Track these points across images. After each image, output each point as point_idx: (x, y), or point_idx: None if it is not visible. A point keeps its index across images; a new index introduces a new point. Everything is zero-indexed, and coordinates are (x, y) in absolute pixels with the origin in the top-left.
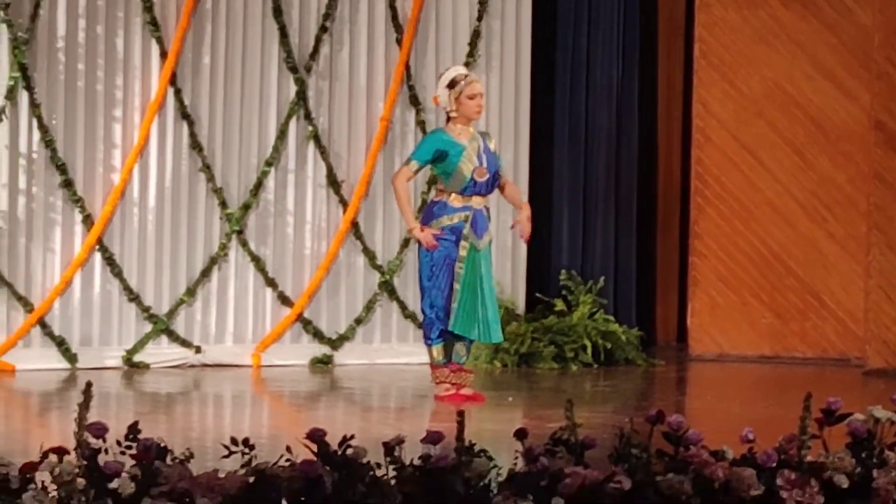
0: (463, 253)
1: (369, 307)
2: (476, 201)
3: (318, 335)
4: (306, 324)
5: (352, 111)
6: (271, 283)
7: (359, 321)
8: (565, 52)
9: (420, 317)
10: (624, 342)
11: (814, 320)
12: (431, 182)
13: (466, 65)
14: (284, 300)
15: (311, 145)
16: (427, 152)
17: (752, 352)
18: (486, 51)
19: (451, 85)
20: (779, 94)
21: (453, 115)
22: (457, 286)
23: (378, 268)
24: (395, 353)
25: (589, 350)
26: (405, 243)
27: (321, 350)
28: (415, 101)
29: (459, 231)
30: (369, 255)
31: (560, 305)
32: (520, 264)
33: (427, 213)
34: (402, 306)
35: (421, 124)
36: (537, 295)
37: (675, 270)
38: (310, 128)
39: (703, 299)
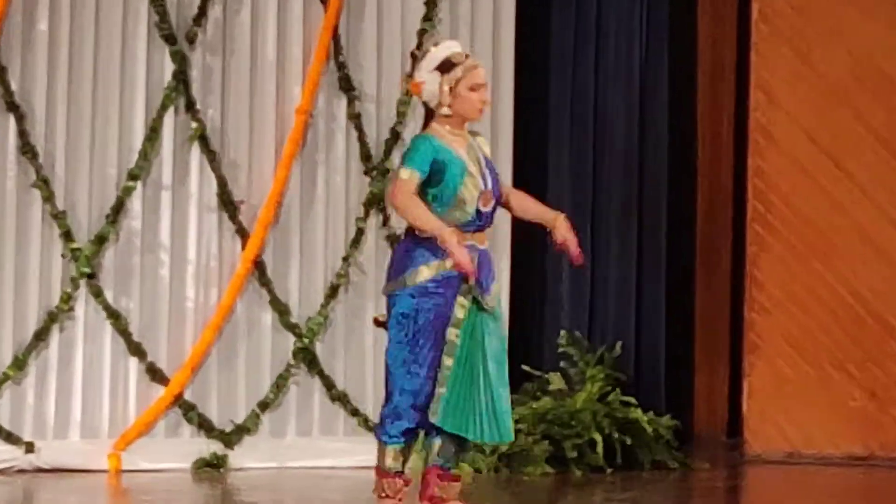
0: (461, 314)
1: (280, 385)
2: (479, 239)
3: (205, 426)
4: (188, 409)
5: (255, 100)
6: (137, 350)
7: (265, 406)
8: (565, 19)
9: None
10: (650, 436)
11: None
12: (369, 204)
13: (422, 33)
14: (156, 375)
15: (196, 150)
16: (425, 160)
17: (837, 450)
18: (450, 13)
19: (445, 68)
20: (874, 75)
21: (444, 112)
22: (448, 362)
23: (293, 327)
24: (316, 453)
25: (600, 447)
26: (332, 291)
27: (209, 448)
28: (347, 84)
29: (456, 283)
30: (280, 308)
31: (557, 383)
32: None
33: (401, 259)
34: (329, 384)
35: (355, 119)
36: (524, 368)
37: (725, 331)
38: (193, 124)
39: (766, 373)
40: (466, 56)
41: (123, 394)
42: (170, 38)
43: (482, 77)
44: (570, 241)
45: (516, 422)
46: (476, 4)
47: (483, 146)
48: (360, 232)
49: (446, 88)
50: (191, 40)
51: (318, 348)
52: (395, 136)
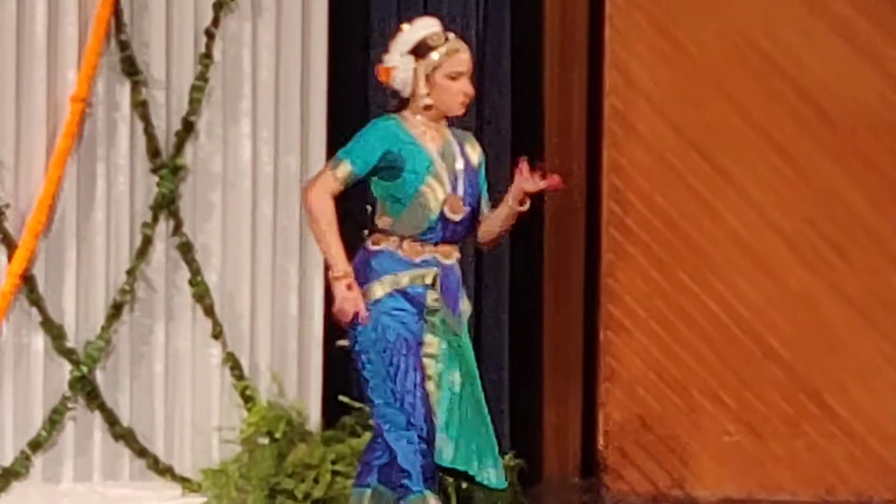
0: (433, 341)
1: (54, 421)
2: (444, 252)
3: None
4: None
5: (22, 87)
6: None
7: (36, 445)
8: None
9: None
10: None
11: (812, 437)
12: (158, 208)
13: (219, 7)
14: None
15: None
16: (372, 152)
17: (710, 492)
18: None
19: (419, 51)
20: (750, 54)
21: (424, 103)
22: (431, 388)
23: (69, 353)
24: (98, 500)
25: None
26: (115, 311)
27: None
28: (130, 67)
29: (420, 302)
30: (54, 331)
31: None
32: (311, 344)
33: (360, 269)
34: (112, 419)
35: (141, 107)
36: (341, 398)
37: (577, 355)
38: None
39: (625, 404)
40: (446, 38)
41: None
42: None
43: (464, 64)
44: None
45: (333, 462)
46: None
47: (471, 150)
48: (147, 240)
49: (422, 76)
50: None
51: (99, 377)
52: (188, 127)
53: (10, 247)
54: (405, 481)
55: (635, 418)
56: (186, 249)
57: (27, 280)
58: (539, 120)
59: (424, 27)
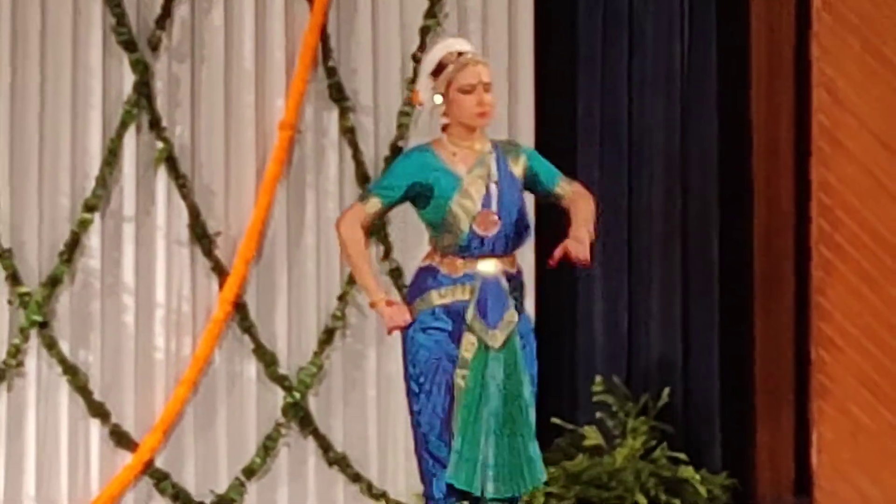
0: (467, 354)
1: (268, 448)
2: (486, 267)
3: (181, 498)
4: (160, 479)
5: (231, 114)
6: (99, 410)
7: (250, 472)
8: (592, 10)
9: (374, 470)
10: (704, 498)
11: None
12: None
13: (425, 31)
14: (122, 439)
15: (162, 174)
16: (397, 184)
17: None
18: (457, 6)
19: (437, 71)
20: None
21: (443, 121)
22: (456, 407)
23: (281, 380)
24: None
25: None
26: (327, 336)
27: None
28: (338, 93)
29: (459, 316)
30: (266, 358)
31: (594, 437)
32: None
33: (413, 286)
34: (325, 445)
35: (349, 133)
36: (553, 420)
37: (789, 373)
38: (159, 144)
39: (839, 421)
40: (459, 54)
41: (84, 461)
42: (129, 45)
43: (475, 76)
44: (570, 242)
45: (546, 484)
46: None
47: (512, 162)
48: None
49: (438, 95)
50: (154, 46)
51: (312, 403)
52: (396, 152)
53: (222, 274)
54: (425, 497)
55: (848, 436)
56: (397, 275)
57: (239, 307)
58: (747, 140)
59: (443, 48)
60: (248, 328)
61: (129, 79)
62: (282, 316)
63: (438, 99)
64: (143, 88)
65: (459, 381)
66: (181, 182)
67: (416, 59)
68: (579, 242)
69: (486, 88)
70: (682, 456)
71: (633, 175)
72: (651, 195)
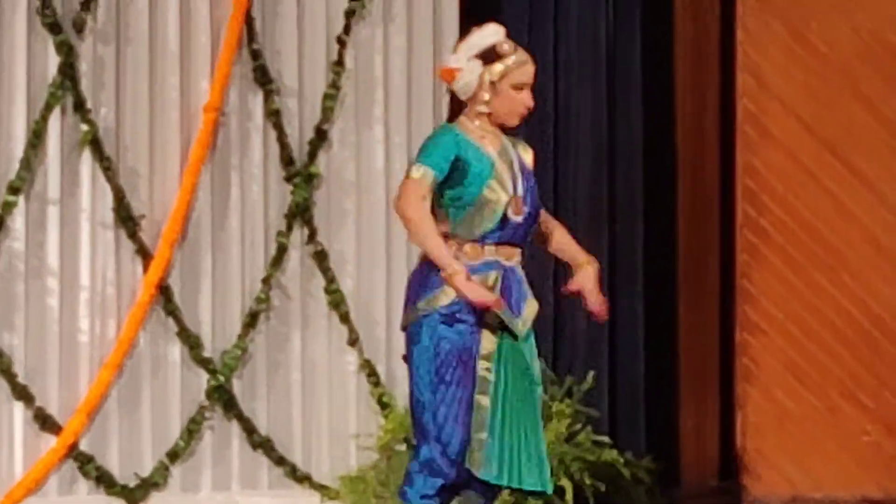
0: (491, 346)
1: (192, 431)
2: (506, 254)
3: (104, 481)
4: (85, 462)
5: (155, 97)
6: (23, 393)
7: (174, 456)
8: None
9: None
10: (628, 481)
11: None
12: (293, 216)
13: (350, 14)
14: (46, 423)
15: (87, 156)
16: (445, 156)
17: (849, 493)
18: None
19: (488, 57)
20: (884, 54)
21: (481, 109)
22: (485, 402)
23: (205, 363)
24: None
25: (569, 495)
26: (251, 320)
27: None
28: (263, 76)
29: (481, 309)
30: (190, 341)
31: None
32: None
33: (418, 283)
34: (249, 428)
35: (274, 116)
36: None
37: (714, 356)
38: (84, 127)
39: (763, 405)
40: (516, 47)
41: (8, 445)
42: (54, 27)
43: (530, 75)
44: (591, 292)
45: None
46: None
47: (523, 153)
48: (282, 249)
49: (486, 82)
50: (79, 28)
51: (236, 387)
52: (321, 135)
53: (146, 257)
54: (405, 487)
55: (773, 420)
56: (321, 257)
57: (163, 290)
58: (672, 123)
59: (494, 33)
60: (172, 311)
61: (53, 61)
62: (206, 299)
63: (478, 87)
64: (68, 70)
65: (485, 374)
66: (106, 165)
67: (341, 42)
68: (601, 302)
69: (530, 91)
70: (607, 440)
71: (560, 161)
72: (577, 180)
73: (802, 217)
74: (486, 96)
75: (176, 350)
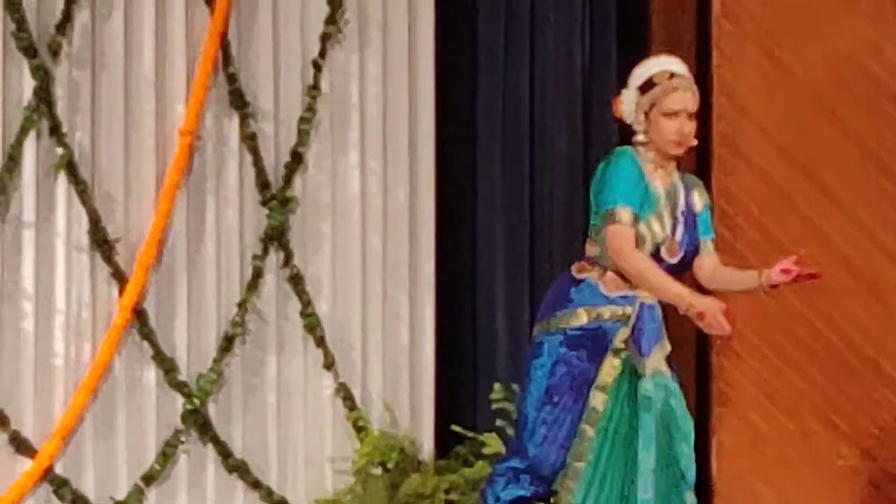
0: (609, 378)
1: (167, 454)
2: (647, 293)
3: (79, 503)
4: (60, 485)
5: (131, 121)
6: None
7: (149, 479)
8: (493, 13)
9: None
10: None
11: None
12: (268, 240)
13: (326, 38)
14: (21, 446)
15: (63, 179)
16: (636, 187)
17: None
18: (358, 12)
19: (645, 87)
20: (856, 77)
21: (640, 139)
22: (590, 432)
23: (181, 387)
24: None
25: None
26: (227, 343)
27: None
28: (239, 100)
29: (606, 338)
30: (165, 365)
31: (494, 445)
32: (422, 373)
33: (554, 298)
34: (225, 452)
35: (250, 140)
36: (453, 427)
37: (690, 380)
38: (59, 150)
39: (739, 429)
40: (672, 76)
41: None
42: (29, 50)
43: (681, 102)
44: (783, 265)
45: (446, 492)
46: (389, 3)
47: (697, 196)
48: (257, 272)
49: (640, 112)
50: (54, 52)
51: (212, 410)
52: (297, 159)
53: (121, 281)
54: (487, 486)
55: (747, 443)
56: (297, 281)
57: (138, 314)
58: None
59: (657, 65)
60: (147, 335)
61: (29, 84)
62: (181, 323)
63: (634, 116)
64: (44, 94)
65: (597, 405)
66: (81, 188)
67: (317, 66)
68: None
69: (689, 117)
70: None
71: (536, 178)
72: (553, 198)
73: (777, 239)
74: (642, 126)
75: (151, 374)
